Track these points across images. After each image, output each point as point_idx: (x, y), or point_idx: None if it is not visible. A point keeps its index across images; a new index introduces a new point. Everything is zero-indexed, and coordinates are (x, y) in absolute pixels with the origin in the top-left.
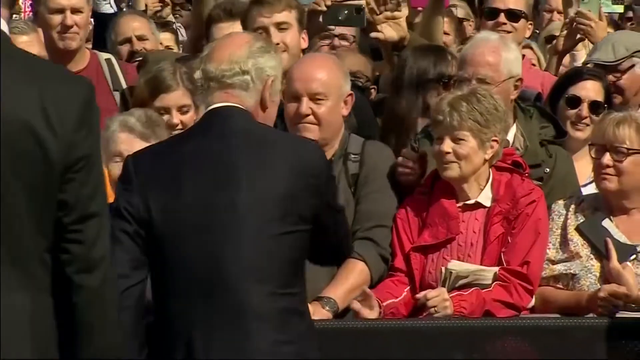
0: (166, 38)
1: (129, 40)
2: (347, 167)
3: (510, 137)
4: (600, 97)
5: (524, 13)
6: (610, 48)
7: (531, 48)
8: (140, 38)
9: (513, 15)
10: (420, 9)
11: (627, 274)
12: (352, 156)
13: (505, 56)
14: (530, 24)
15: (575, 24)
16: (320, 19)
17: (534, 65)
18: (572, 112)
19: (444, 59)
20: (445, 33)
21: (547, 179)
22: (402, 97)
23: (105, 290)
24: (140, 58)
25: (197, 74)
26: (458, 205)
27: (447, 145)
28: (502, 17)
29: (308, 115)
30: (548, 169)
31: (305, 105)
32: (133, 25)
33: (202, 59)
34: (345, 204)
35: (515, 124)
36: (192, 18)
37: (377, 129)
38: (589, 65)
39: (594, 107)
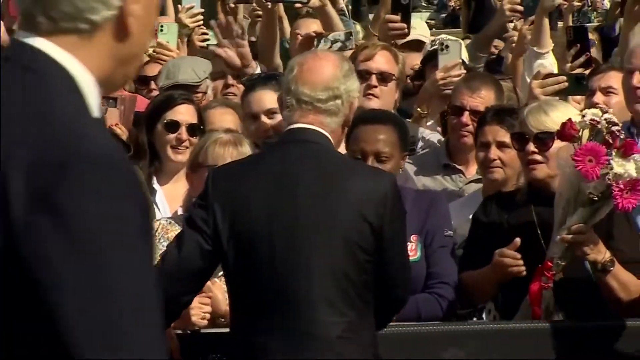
0: None
1: None
2: None
3: None
4: (195, 119)
5: None
6: (191, 70)
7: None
8: None
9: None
10: None
11: (216, 289)
12: None
13: None
14: None
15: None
16: None
17: None
18: (172, 136)
19: None
20: None
21: None
22: None
23: None
24: None
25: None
26: None
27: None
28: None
29: None
30: None
31: None
32: None
33: (291, 79)
34: None
35: None
36: None
37: None
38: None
39: (192, 130)
